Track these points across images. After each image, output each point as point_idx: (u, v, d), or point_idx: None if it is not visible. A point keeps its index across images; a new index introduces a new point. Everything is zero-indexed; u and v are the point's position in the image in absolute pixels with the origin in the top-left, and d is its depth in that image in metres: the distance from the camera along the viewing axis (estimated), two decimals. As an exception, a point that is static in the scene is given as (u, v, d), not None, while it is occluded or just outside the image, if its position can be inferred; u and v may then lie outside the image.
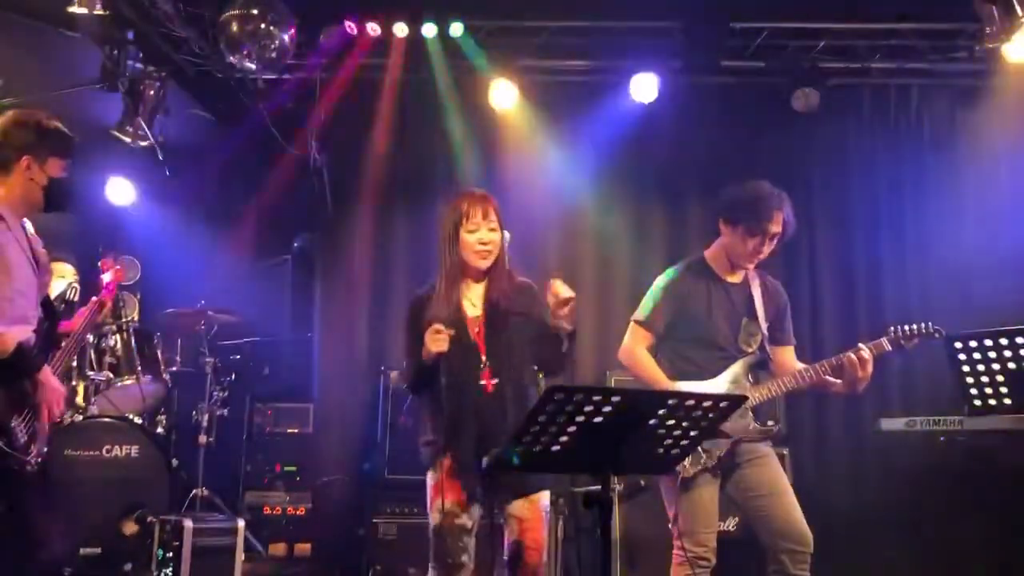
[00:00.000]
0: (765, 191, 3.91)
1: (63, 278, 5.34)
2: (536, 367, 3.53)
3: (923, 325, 3.81)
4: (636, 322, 4.00)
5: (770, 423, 3.91)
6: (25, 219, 3.51)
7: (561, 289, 3.30)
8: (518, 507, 3.42)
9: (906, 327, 3.83)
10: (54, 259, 4.28)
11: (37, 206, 3.48)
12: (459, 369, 3.38)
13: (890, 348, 3.83)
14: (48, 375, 3.38)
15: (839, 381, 3.84)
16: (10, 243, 3.33)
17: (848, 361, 3.76)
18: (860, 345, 3.79)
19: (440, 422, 3.42)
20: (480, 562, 3.51)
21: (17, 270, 3.34)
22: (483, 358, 3.39)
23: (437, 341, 3.29)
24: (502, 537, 3.45)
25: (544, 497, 3.47)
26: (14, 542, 3.27)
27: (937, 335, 3.78)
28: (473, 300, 3.52)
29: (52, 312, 3.57)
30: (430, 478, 3.46)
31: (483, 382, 3.36)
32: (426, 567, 3.44)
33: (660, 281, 4.02)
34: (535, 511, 3.43)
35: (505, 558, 3.45)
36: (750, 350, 3.93)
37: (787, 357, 4.04)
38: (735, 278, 4.01)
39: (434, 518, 3.38)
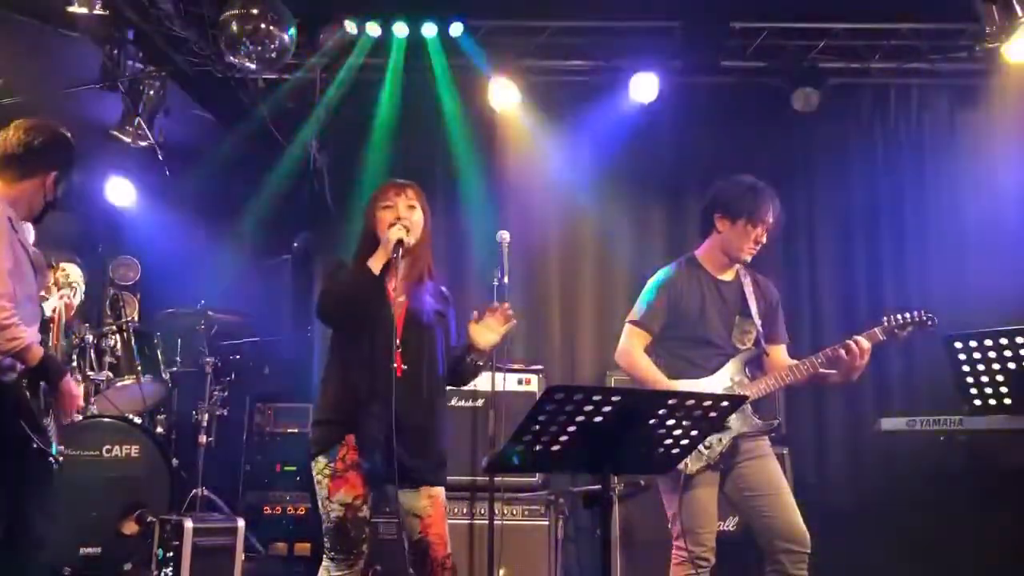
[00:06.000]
0: (757, 183, 3.95)
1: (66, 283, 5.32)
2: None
3: (916, 313, 3.85)
4: (631, 323, 4.00)
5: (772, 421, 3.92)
6: (27, 222, 3.53)
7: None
8: (418, 505, 3.39)
9: (899, 316, 3.86)
10: (65, 260, 4.28)
11: (34, 216, 3.51)
12: (374, 346, 3.35)
13: (884, 338, 3.84)
14: (69, 383, 3.42)
15: (834, 372, 3.86)
16: (18, 246, 3.34)
17: (843, 353, 3.77)
18: (856, 338, 3.79)
19: (344, 400, 3.37)
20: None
21: (27, 274, 3.36)
22: (398, 341, 3.33)
23: (399, 231, 3.34)
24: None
25: (443, 492, 3.46)
26: (17, 541, 3.27)
27: (930, 323, 3.84)
28: (397, 286, 3.42)
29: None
30: (323, 465, 3.34)
31: (394, 364, 3.28)
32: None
33: (653, 281, 4.02)
34: (436, 507, 3.41)
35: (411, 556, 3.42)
36: (744, 347, 3.94)
37: (779, 354, 4.04)
38: (727, 276, 4.02)
39: (335, 510, 3.30)
